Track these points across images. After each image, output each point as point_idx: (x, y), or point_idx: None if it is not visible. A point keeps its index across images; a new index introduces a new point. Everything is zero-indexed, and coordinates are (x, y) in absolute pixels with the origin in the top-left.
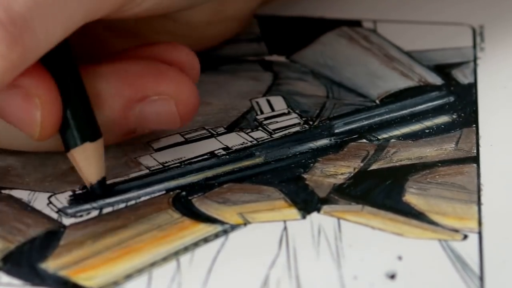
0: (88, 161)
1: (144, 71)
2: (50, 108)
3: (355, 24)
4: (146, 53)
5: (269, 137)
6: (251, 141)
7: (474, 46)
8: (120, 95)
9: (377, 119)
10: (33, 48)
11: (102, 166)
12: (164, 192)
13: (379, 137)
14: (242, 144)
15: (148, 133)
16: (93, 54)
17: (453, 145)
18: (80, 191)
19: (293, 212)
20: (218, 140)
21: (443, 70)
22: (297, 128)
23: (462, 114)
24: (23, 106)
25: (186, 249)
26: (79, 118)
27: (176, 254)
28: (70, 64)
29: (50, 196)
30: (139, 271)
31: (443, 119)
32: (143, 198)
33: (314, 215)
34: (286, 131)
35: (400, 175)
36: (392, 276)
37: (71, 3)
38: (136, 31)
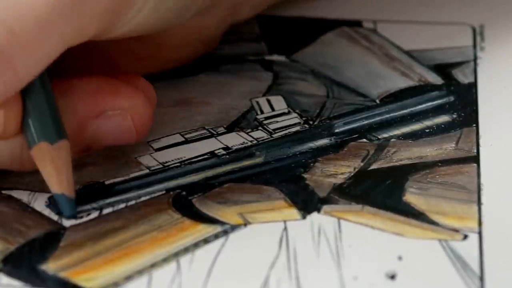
0: (52, 159)
1: (99, 87)
2: (11, 107)
3: (355, 24)
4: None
5: (269, 136)
6: (251, 141)
7: (474, 46)
8: (76, 112)
9: (377, 118)
10: (12, 82)
11: (68, 169)
12: (164, 192)
13: (379, 137)
14: (242, 144)
15: (101, 149)
16: (54, 69)
17: (453, 145)
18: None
19: (293, 212)
20: (218, 140)
21: (443, 69)
22: (297, 128)
23: (462, 114)
24: None
25: (186, 250)
26: (44, 118)
27: (176, 255)
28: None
29: (50, 197)
30: (139, 272)
31: (443, 118)
32: (143, 198)
33: (314, 215)
34: (286, 131)
35: (400, 175)
36: (392, 276)
37: (52, 37)
38: (101, 50)
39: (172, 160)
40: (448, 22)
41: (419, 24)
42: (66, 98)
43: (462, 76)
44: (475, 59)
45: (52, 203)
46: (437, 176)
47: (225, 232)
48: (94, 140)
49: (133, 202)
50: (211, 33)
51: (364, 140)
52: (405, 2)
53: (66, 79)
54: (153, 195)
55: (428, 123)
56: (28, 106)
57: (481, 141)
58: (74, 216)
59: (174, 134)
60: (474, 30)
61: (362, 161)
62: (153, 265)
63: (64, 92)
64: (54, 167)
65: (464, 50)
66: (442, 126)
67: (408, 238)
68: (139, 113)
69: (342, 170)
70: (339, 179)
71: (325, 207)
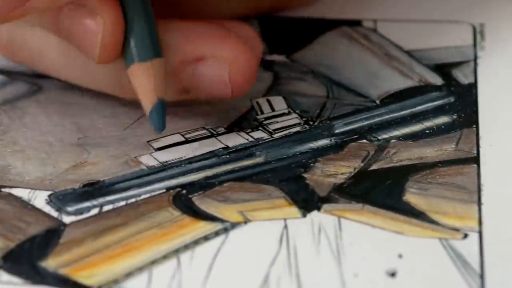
0: (148, 77)
1: (204, 32)
2: (112, 28)
3: (355, 24)
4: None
5: (269, 137)
6: (251, 141)
7: (475, 45)
8: (179, 49)
9: (377, 119)
10: None
11: (162, 86)
12: (164, 190)
13: (379, 138)
14: (242, 144)
15: (202, 100)
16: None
17: (454, 146)
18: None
19: (294, 210)
20: (218, 140)
21: (443, 69)
22: (297, 128)
23: (462, 115)
24: (86, 25)
25: (186, 247)
26: (142, 36)
27: (177, 252)
28: None
29: (50, 195)
30: (139, 269)
31: (443, 119)
32: (143, 196)
33: (315, 213)
34: (287, 131)
35: (400, 175)
36: (393, 274)
37: None
38: None
39: (172, 160)
40: (448, 21)
41: (419, 23)
42: (169, 36)
43: (462, 76)
44: (475, 58)
45: (53, 200)
46: (437, 177)
47: (225, 230)
48: (191, 84)
49: (133, 200)
50: None
51: (364, 140)
52: (405, 1)
53: (172, 20)
54: (153, 193)
55: (428, 124)
56: (128, 25)
57: (481, 142)
58: (162, 129)
59: (174, 134)
60: (474, 29)
61: (362, 161)
62: (153, 262)
63: (168, 31)
64: (149, 84)
65: (464, 49)
66: (442, 127)
67: (409, 236)
68: (239, 67)
69: (342, 170)
70: (339, 179)
71: (325, 206)
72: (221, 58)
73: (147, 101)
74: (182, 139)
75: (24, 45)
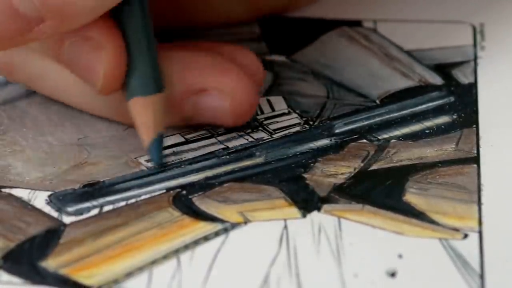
0: (148, 112)
1: (208, 64)
2: (115, 62)
3: (355, 24)
4: (214, 49)
5: (269, 137)
6: (251, 142)
7: (475, 45)
8: (182, 81)
9: (377, 119)
10: None
11: (161, 121)
12: (164, 191)
13: (379, 138)
14: (242, 145)
15: (206, 124)
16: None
17: (454, 146)
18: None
19: (294, 211)
20: (218, 140)
21: (443, 69)
22: (297, 128)
23: (462, 115)
24: (90, 59)
25: (186, 247)
26: (144, 70)
27: (177, 252)
28: (143, 20)
29: (50, 195)
30: (140, 269)
31: (443, 119)
32: (143, 197)
33: (315, 214)
34: (287, 131)
35: (400, 175)
36: (393, 274)
37: None
38: None
39: (172, 160)
40: (448, 21)
41: (419, 23)
42: (171, 67)
43: (462, 76)
44: (475, 58)
45: (53, 200)
46: (437, 177)
47: (225, 230)
48: (193, 114)
49: (133, 200)
50: None
51: (364, 140)
52: (405, 1)
53: (173, 49)
54: (153, 194)
55: (428, 123)
56: (130, 57)
57: (481, 142)
58: (159, 163)
59: (174, 134)
60: (474, 29)
61: (362, 161)
62: (153, 262)
63: (170, 61)
64: (148, 119)
65: (464, 49)
66: (442, 127)
67: (409, 236)
68: (240, 99)
69: (342, 170)
70: (339, 179)
71: (325, 206)
72: (223, 90)
73: (146, 136)
74: (182, 139)
75: (23, 68)
